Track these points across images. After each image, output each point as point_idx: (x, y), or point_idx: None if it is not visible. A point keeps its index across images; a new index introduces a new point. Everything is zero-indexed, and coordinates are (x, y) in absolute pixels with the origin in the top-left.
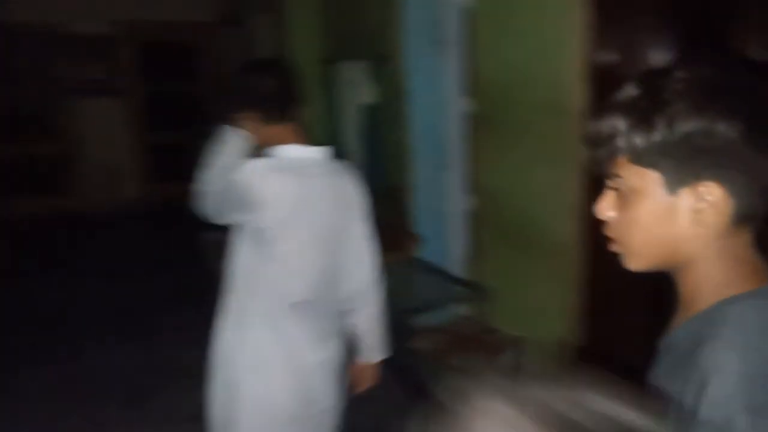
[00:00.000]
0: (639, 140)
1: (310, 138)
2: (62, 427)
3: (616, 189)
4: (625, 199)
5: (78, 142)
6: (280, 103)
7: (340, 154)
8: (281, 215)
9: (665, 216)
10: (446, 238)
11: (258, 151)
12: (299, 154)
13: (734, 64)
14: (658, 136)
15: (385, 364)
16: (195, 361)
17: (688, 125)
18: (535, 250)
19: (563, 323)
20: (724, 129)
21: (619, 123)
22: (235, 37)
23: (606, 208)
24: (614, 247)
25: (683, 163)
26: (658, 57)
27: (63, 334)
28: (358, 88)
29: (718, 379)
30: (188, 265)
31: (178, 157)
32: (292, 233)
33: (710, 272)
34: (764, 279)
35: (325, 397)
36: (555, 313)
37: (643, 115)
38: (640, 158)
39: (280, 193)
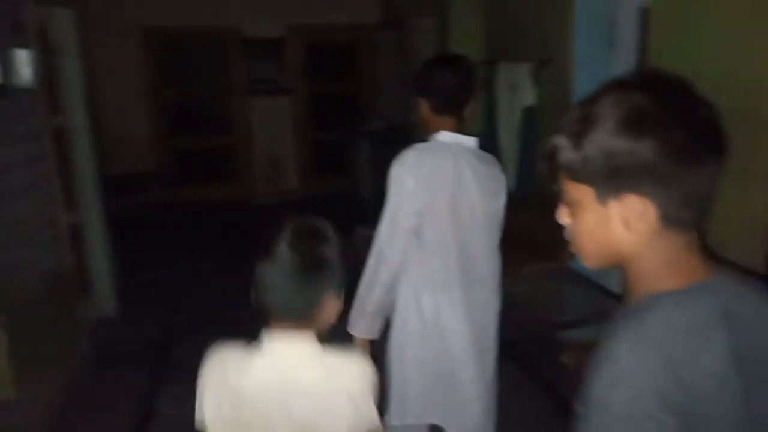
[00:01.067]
0: (573, 158)
1: (466, 130)
2: None
3: (566, 200)
4: (571, 209)
5: (247, 136)
6: (453, 98)
7: (489, 148)
8: (435, 191)
9: (600, 224)
10: None
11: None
12: (453, 140)
13: (662, 86)
14: (586, 154)
15: (532, 377)
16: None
17: (610, 145)
18: None
19: None
20: (640, 149)
21: (560, 142)
22: (395, 39)
23: (562, 216)
24: (571, 249)
25: (608, 179)
26: None
27: (221, 313)
28: (518, 91)
29: (607, 367)
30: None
31: (336, 152)
32: (442, 210)
33: (643, 271)
34: (695, 278)
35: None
36: None
37: (576, 135)
38: (575, 174)
39: (433, 171)
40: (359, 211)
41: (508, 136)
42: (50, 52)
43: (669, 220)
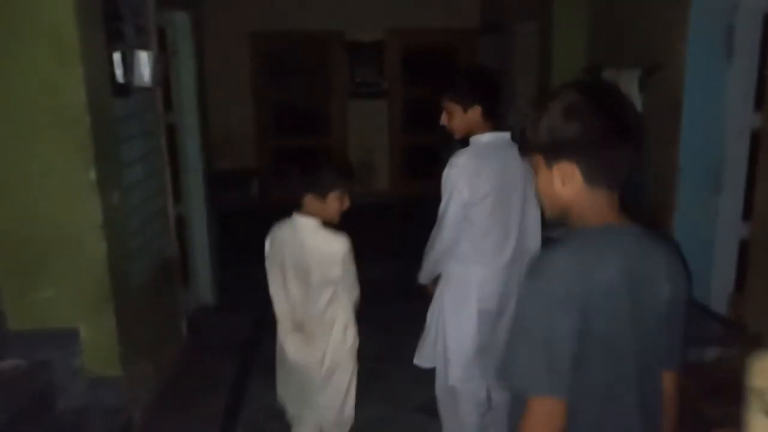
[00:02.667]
0: (532, 133)
1: (496, 127)
2: None
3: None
4: (534, 173)
5: (343, 137)
6: (494, 104)
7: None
8: (483, 186)
9: (548, 182)
10: (710, 269)
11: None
12: (496, 138)
13: (594, 89)
14: (539, 131)
15: None
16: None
17: (552, 125)
18: None
19: None
20: (569, 129)
21: (528, 122)
22: (496, 43)
23: (534, 180)
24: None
25: (551, 149)
26: None
27: None
28: None
29: (534, 267)
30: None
31: (428, 155)
32: (491, 200)
33: (576, 215)
34: (609, 222)
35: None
36: None
37: (535, 118)
38: (533, 145)
39: (480, 171)
40: None
41: None
42: (167, 53)
43: (589, 181)
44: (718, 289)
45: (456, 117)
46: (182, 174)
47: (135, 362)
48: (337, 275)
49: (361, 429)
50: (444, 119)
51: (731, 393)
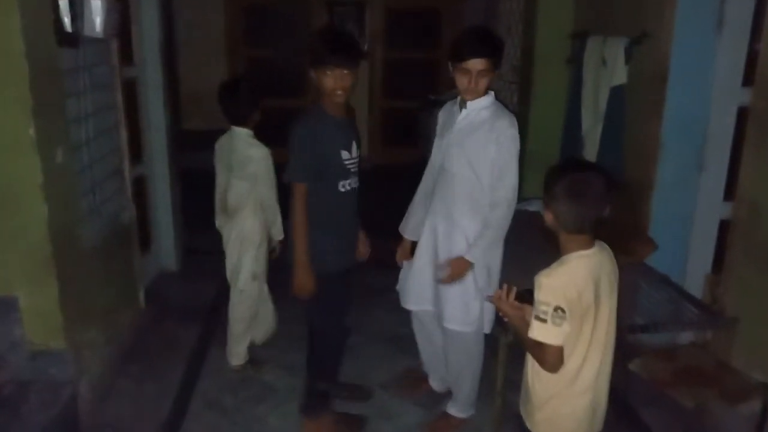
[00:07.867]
0: None
1: None
2: None
3: None
4: None
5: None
6: None
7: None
8: None
9: None
10: (687, 249)
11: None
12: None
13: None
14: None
15: None
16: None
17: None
18: None
19: None
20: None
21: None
22: (482, 6)
23: None
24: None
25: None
26: None
27: (277, 277)
28: (609, 67)
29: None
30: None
31: (408, 122)
32: None
33: None
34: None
35: None
36: None
37: None
38: None
39: None
40: None
41: (591, 117)
42: (128, 3)
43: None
44: (694, 269)
45: (488, 79)
46: (144, 132)
47: (82, 332)
48: (250, 172)
49: None
50: (476, 82)
51: (703, 378)
